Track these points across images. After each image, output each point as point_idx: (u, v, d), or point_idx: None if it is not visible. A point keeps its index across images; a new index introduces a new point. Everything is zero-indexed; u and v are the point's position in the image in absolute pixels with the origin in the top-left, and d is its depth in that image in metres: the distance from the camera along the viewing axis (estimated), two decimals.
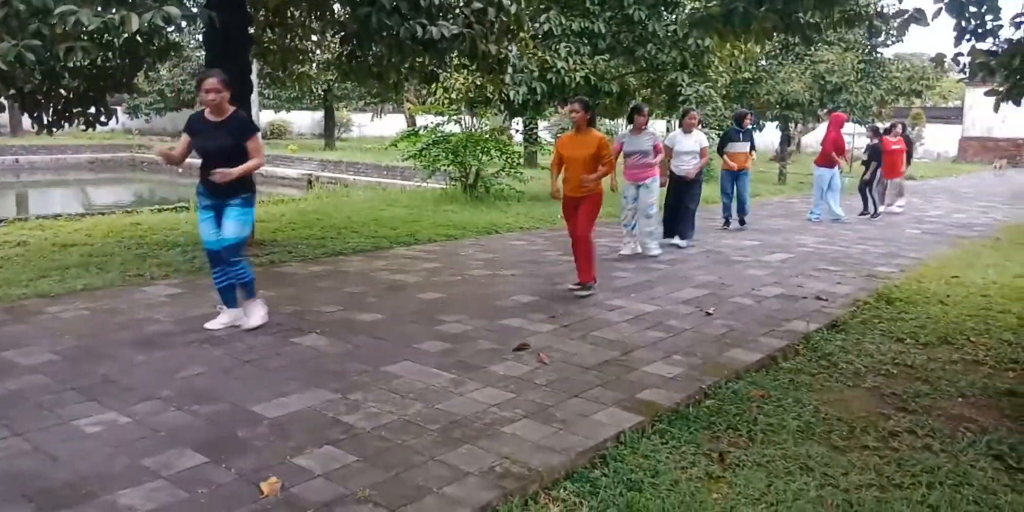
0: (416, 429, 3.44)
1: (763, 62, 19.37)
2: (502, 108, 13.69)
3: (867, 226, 11.37)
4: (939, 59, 5.41)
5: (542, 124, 22.66)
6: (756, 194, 15.49)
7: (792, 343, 5.00)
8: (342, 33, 7.85)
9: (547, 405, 3.76)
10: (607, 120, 19.57)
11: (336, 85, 27.28)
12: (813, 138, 31.39)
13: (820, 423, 3.71)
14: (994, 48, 4.50)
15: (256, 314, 4.98)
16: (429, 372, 4.21)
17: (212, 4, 6.79)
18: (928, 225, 11.75)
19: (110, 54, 7.38)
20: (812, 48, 18.85)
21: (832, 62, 19.78)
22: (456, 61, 9.25)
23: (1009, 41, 4.41)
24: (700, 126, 9.53)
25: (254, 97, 10.54)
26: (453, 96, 13.59)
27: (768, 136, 24.12)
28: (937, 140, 35.33)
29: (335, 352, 4.53)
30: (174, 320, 5.08)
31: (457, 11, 7.31)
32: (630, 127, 8.04)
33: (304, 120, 40.16)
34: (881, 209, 12.87)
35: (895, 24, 5.04)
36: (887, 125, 13.95)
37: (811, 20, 5.83)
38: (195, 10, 5.76)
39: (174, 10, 4.85)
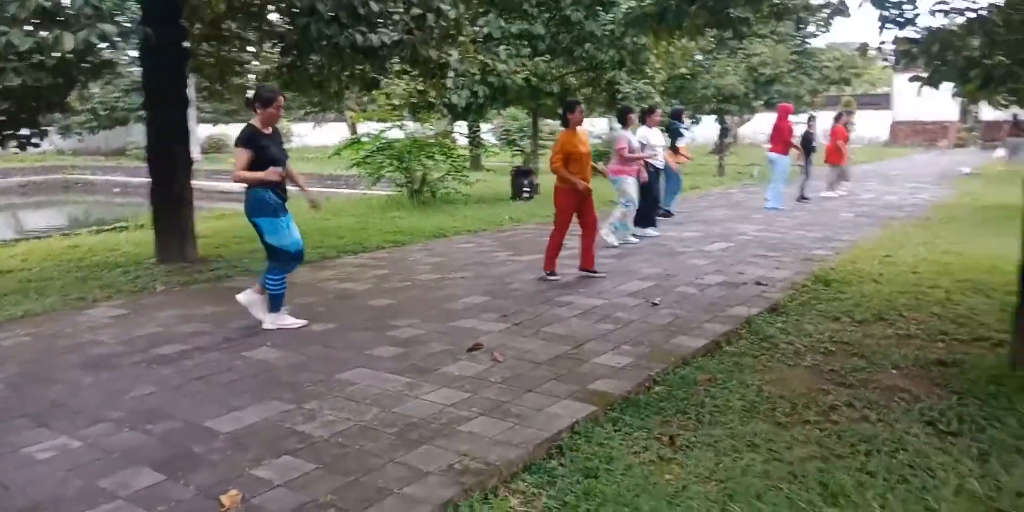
0: (373, 433, 3.47)
1: (699, 57, 19.76)
2: (445, 112, 13.74)
3: (803, 212, 11.75)
4: (863, 48, 5.66)
5: (485, 127, 22.72)
6: (696, 186, 15.89)
7: (735, 328, 5.18)
8: (281, 44, 7.79)
9: (502, 401, 3.84)
10: (548, 120, 19.73)
11: None
12: (749, 129, 32.21)
13: (764, 402, 3.87)
14: (916, 35, 4.71)
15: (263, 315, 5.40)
16: (384, 377, 4.24)
17: (147, 19, 6.68)
18: (861, 208, 12.20)
19: (42, 74, 7.21)
20: (745, 42, 19.34)
21: (765, 54, 20.32)
22: (397, 67, 9.27)
23: (928, 28, 4.62)
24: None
25: (192, 111, 10.36)
26: (395, 102, 13.59)
27: (706, 129, 24.63)
28: (868, 126, 36.64)
29: (287, 363, 4.52)
30: (119, 341, 5.00)
31: (397, 17, 7.32)
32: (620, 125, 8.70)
33: None
34: (824, 194, 13.55)
35: (822, 16, 5.25)
36: (836, 113, 14.71)
37: (741, 15, 6.03)
38: (130, 26, 5.67)
39: (109, 27, 4.80)
